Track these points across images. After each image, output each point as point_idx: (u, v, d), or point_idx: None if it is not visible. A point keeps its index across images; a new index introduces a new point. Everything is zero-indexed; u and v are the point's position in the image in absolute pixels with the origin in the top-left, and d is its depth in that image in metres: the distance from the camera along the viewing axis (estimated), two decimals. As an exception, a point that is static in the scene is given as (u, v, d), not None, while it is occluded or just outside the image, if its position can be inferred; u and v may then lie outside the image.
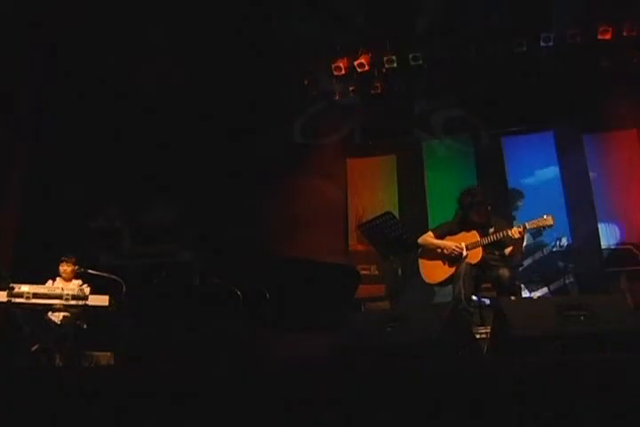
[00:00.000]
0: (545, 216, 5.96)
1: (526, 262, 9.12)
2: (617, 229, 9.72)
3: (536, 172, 10.31)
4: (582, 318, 4.06)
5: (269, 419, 2.86)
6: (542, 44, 9.56)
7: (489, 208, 6.26)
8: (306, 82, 10.55)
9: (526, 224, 5.97)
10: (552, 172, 10.23)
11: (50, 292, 7.19)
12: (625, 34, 9.34)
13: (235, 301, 6.88)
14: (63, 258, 7.67)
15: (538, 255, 9.34)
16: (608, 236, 9.67)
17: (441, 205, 9.80)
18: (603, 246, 9.64)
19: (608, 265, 9.41)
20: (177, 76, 9.22)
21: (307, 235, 9.73)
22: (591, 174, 9.97)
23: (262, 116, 10.01)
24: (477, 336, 5.29)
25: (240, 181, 9.82)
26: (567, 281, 9.18)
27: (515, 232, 5.91)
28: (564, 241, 9.23)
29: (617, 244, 9.63)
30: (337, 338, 4.74)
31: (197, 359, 6.04)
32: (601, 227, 9.69)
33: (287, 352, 6.24)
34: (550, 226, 6.00)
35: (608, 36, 9.35)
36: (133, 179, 9.32)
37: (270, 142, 10.06)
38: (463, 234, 6.28)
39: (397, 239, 6.62)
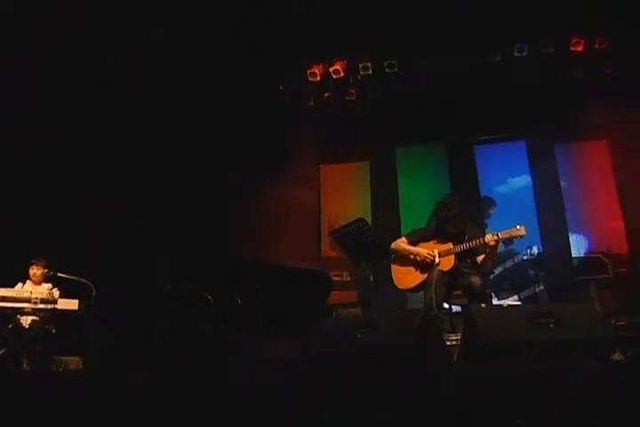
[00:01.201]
0: (518, 226, 6.00)
1: (497, 270, 9.17)
2: (587, 237, 9.81)
3: (508, 180, 10.38)
4: (552, 325, 4.09)
5: (241, 424, 2.85)
6: (516, 53, 9.63)
7: (465, 219, 6.30)
8: (281, 87, 10.55)
9: (499, 234, 6.00)
10: (524, 180, 10.31)
11: (18, 295, 7.13)
12: (597, 46, 9.45)
13: (206, 305, 6.85)
14: (33, 261, 7.58)
15: (509, 263, 9.38)
16: (578, 244, 9.76)
17: (414, 211, 9.83)
18: (573, 255, 9.73)
19: (578, 273, 9.47)
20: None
21: (279, 240, 9.72)
22: (562, 183, 10.07)
23: (237, 122, 9.98)
24: (448, 343, 5.31)
25: (213, 184, 9.77)
26: (537, 289, 9.22)
27: (490, 239, 5.95)
28: (535, 249, 9.28)
29: (587, 252, 9.72)
30: (308, 344, 4.74)
31: (168, 364, 6.00)
32: (571, 235, 9.79)
33: (259, 358, 6.23)
34: (523, 236, 6.03)
35: (580, 48, 9.46)
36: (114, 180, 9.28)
37: (243, 147, 10.03)
38: (436, 241, 6.32)
39: (369, 246, 6.65)
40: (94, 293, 6.97)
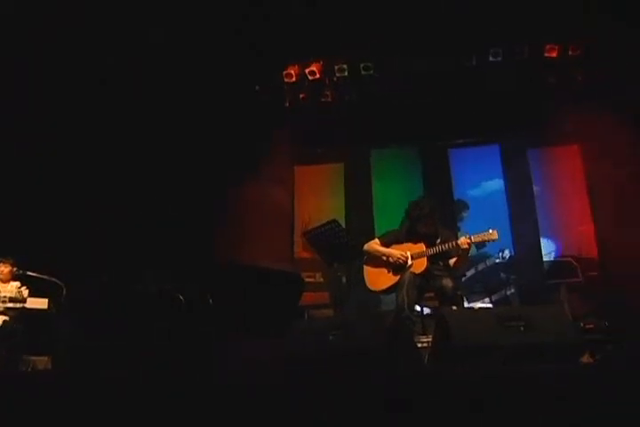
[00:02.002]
0: (490, 230, 6.03)
1: (469, 273, 9.22)
2: (558, 241, 9.91)
3: (482, 184, 10.45)
4: (522, 328, 4.11)
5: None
6: (491, 58, 9.67)
7: (436, 220, 6.32)
8: (257, 88, 10.51)
9: (472, 237, 6.02)
10: (497, 184, 10.39)
11: (-15, 294, 7.06)
12: (570, 53, 9.52)
13: (177, 306, 6.82)
14: (0, 259, 7.49)
15: (481, 266, 9.43)
16: (549, 248, 9.86)
17: (387, 213, 9.86)
18: (544, 259, 9.82)
19: (549, 277, 9.56)
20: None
21: (252, 241, 9.68)
22: (535, 188, 10.16)
23: (212, 122, 9.94)
24: (419, 345, 5.33)
25: (186, 185, 9.71)
26: (508, 292, 9.28)
27: (463, 242, 5.98)
28: (507, 253, 9.34)
29: (557, 256, 9.81)
30: (280, 345, 4.73)
31: (139, 366, 5.97)
32: (542, 239, 9.89)
33: (231, 359, 6.21)
34: (495, 240, 6.07)
35: (554, 54, 9.52)
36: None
37: (217, 147, 9.98)
38: (409, 243, 6.33)
39: (342, 247, 6.66)
40: (64, 292, 6.91)
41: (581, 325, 6.95)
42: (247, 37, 9.36)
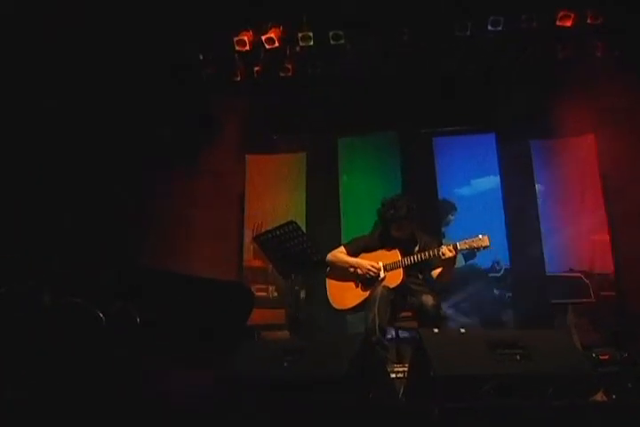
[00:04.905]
0: (480, 236, 6.05)
1: (455, 289, 9.25)
2: (565, 252, 9.90)
3: (472, 181, 10.46)
4: (518, 357, 4.14)
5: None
6: (490, 28, 9.65)
7: (413, 223, 6.32)
8: (201, 57, 10.44)
9: (458, 244, 6.04)
10: (491, 182, 10.39)
11: None
12: (589, 21, 9.44)
13: (96, 324, 6.77)
14: None
15: (470, 281, 9.46)
16: (554, 261, 9.86)
17: (357, 215, 9.89)
18: (547, 273, 9.81)
19: (553, 296, 9.58)
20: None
21: (191, 246, 9.66)
22: (538, 187, 10.15)
23: (142, 100, 9.88)
24: (393, 375, 5.33)
25: (111, 179, 9.65)
26: (503, 313, 9.32)
27: (445, 251, 5.98)
28: (502, 265, 9.39)
29: (565, 271, 9.82)
30: (223, 373, 4.72)
31: (52, 395, 5.91)
32: (546, 250, 9.88)
33: (163, 387, 6.18)
34: (486, 247, 6.08)
35: (568, 23, 9.45)
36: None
37: (153, 135, 9.93)
38: (382, 252, 6.35)
39: (301, 255, 6.64)
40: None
41: (593, 355, 6.98)
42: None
